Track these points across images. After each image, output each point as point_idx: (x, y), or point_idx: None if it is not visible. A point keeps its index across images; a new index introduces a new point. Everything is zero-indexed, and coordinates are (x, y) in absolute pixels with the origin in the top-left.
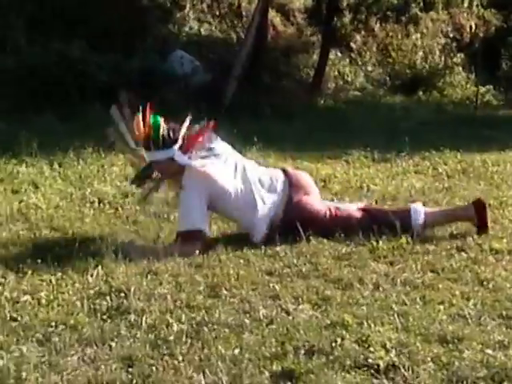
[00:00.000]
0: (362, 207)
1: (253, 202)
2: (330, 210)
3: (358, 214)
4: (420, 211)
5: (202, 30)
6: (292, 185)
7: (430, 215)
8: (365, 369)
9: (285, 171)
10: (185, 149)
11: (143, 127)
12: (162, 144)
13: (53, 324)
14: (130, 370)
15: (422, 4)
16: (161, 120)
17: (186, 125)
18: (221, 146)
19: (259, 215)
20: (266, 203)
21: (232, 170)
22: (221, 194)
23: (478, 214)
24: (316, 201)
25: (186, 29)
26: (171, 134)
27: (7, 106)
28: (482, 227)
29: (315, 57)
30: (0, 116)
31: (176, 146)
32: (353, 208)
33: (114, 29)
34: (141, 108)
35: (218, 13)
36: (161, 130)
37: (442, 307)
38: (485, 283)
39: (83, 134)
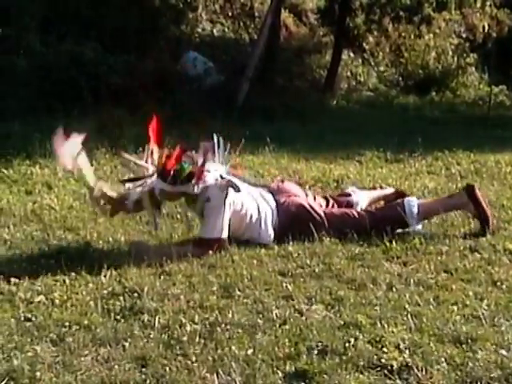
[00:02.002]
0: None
1: (260, 219)
2: (321, 210)
3: (356, 214)
4: (414, 203)
5: (214, 30)
6: (274, 192)
7: (424, 206)
8: (378, 369)
9: (265, 186)
10: (197, 181)
11: (168, 160)
12: (180, 183)
13: (67, 324)
14: (144, 370)
15: (434, 4)
16: (187, 168)
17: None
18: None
19: (265, 231)
20: (270, 217)
21: (245, 190)
22: (237, 212)
23: (470, 198)
24: (302, 200)
25: (199, 30)
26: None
27: (20, 108)
28: (481, 215)
29: (328, 57)
30: (13, 117)
31: (191, 184)
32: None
33: (126, 30)
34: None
35: (230, 14)
36: (183, 175)
37: (455, 308)
38: (498, 284)
39: (96, 136)
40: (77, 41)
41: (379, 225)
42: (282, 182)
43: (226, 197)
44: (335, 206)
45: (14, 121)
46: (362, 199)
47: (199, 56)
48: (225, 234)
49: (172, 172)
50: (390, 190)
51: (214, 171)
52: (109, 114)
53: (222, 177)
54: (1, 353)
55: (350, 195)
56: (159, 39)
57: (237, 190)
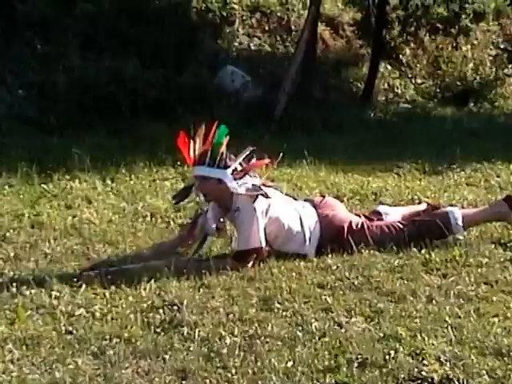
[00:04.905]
0: (407, 217)
1: (301, 228)
2: (364, 222)
3: (401, 225)
4: (458, 214)
5: (251, 45)
6: (317, 206)
7: (467, 216)
8: (419, 382)
9: (307, 200)
10: (236, 176)
11: (203, 142)
12: (218, 163)
13: (107, 337)
14: (184, 382)
15: (472, 15)
16: (225, 140)
17: (245, 155)
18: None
19: (307, 243)
20: (311, 229)
21: (280, 198)
22: (273, 221)
23: (511, 208)
24: (343, 213)
25: (236, 44)
26: (228, 159)
27: (60, 122)
28: None
29: (365, 70)
30: (53, 132)
31: (229, 170)
32: (396, 218)
33: (164, 46)
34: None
35: (267, 28)
36: (221, 150)
37: (496, 320)
38: None
39: (134, 150)
40: (115, 57)
41: (421, 233)
42: (324, 197)
43: (255, 205)
44: (367, 221)
45: (53, 135)
46: (393, 217)
47: (237, 70)
48: (262, 243)
49: (209, 153)
50: (422, 206)
51: (246, 183)
52: (146, 128)
53: (256, 186)
54: (43, 365)
55: (380, 214)
56: (197, 54)
57: (265, 196)
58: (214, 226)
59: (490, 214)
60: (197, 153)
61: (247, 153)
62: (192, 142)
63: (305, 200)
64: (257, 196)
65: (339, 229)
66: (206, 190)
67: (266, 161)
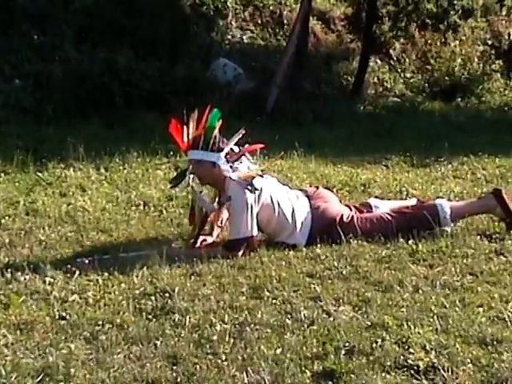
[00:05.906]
0: (396, 209)
1: (292, 217)
2: (354, 214)
3: (390, 217)
4: (447, 207)
5: (244, 38)
6: (310, 197)
7: (455, 209)
8: (405, 369)
9: (301, 189)
10: (229, 159)
11: (197, 126)
12: (211, 146)
13: (100, 323)
14: (175, 368)
15: (460, 12)
16: (217, 124)
17: (238, 137)
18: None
19: (298, 231)
20: (303, 219)
21: (274, 185)
22: (265, 207)
23: (499, 201)
24: (335, 206)
25: (229, 37)
26: (221, 142)
27: (56, 113)
28: (508, 218)
29: (355, 64)
30: (49, 122)
31: (222, 154)
32: (385, 210)
33: (159, 38)
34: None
35: (259, 21)
36: (214, 133)
37: (481, 310)
38: None
39: (128, 140)
40: (110, 48)
41: (409, 225)
42: (317, 188)
43: (247, 194)
44: (357, 213)
45: (49, 125)
46: (382, 210)
47: (229, 63)
48: (254, 232)
49: (202, 137)
50: (412, 201)
51: (238, 168)
52: (140, 119)
53: (260, 175)
54: (37, 350)
55: (370, 207)
56: (190, 46)
57: (253, 191)
58: (211, 203)
59: (477, 207)
60: (190, 137)
61: (240, 136)
62: (185, 127)
63: (299, 189)
64: (247, 184)
65: (331, 221)
66: (200, 174)
67: (260, 145)
